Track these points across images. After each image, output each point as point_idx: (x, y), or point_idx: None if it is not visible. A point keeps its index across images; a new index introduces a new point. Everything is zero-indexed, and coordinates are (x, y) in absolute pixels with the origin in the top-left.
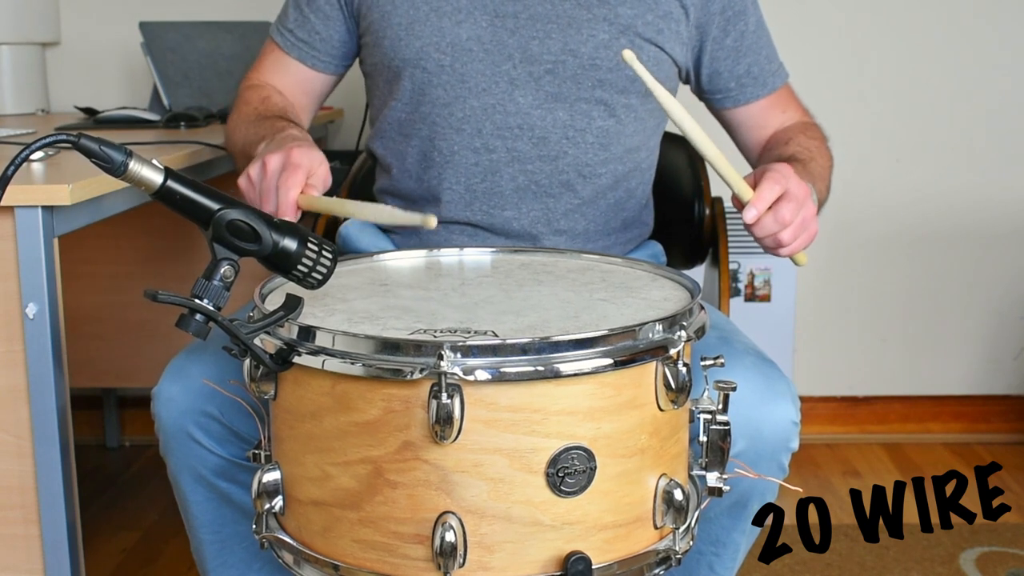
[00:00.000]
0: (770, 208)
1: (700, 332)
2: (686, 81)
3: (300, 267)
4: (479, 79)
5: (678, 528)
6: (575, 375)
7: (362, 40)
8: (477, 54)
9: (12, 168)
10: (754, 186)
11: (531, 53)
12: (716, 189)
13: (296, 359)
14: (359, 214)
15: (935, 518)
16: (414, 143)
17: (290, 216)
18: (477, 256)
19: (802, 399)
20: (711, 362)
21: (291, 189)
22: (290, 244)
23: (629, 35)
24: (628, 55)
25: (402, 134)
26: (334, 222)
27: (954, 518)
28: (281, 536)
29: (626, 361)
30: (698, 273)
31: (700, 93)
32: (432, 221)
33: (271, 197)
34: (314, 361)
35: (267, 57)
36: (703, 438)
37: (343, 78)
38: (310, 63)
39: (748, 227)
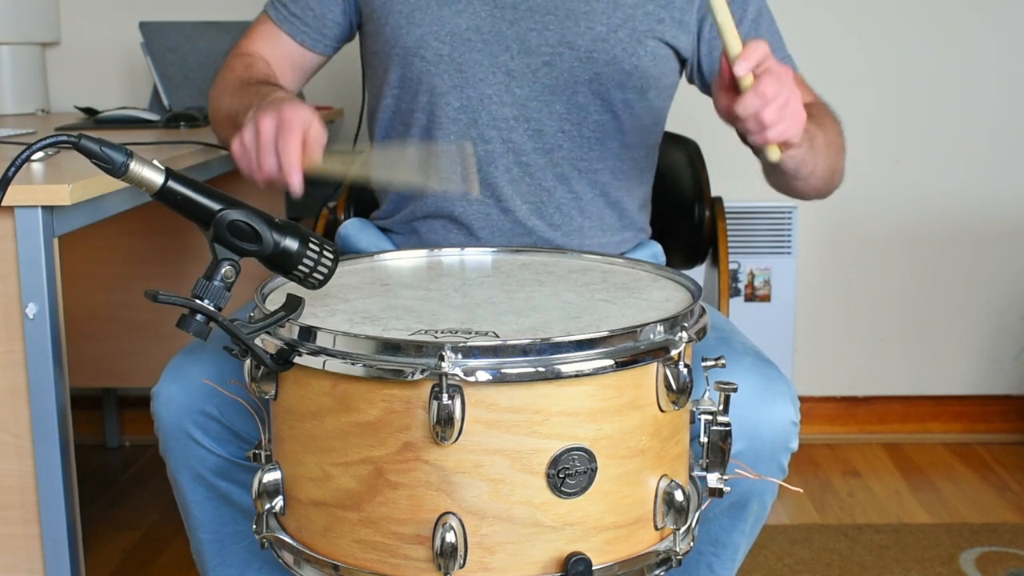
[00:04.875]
0: (753, 84)
1: (701, 333)
2: (691, 80)
3: (301, 267)
4: (477, 69)
5: (679, 529)
6: (576, 376)
7: (364, 28)
8: (476, 44)
9: (13, 169)
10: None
11: (529, 44)
12: (716, 189)
13: (297, 359)
14: (396, 181)
15: (935, 518)
16: (411, 132)
17: (298, 178)
18: (478, 256)
19: (802, 399)
20: (712, 363)
21: (293, 152)
22: (291, 244)
23: (627, 28)
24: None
25: (402, 123)
26: (334, 222)
27: (954, 518)
28: (281, 536)
29: (627, 362)
30: (698, 273)
31: (704, 88)
32: (475, 190)
33: (269, 158)
34: (315, 361)
35: (257, 28)
36: (704, 439)
37: (330, 60)
38: (299, 39)
39: (732, 112)
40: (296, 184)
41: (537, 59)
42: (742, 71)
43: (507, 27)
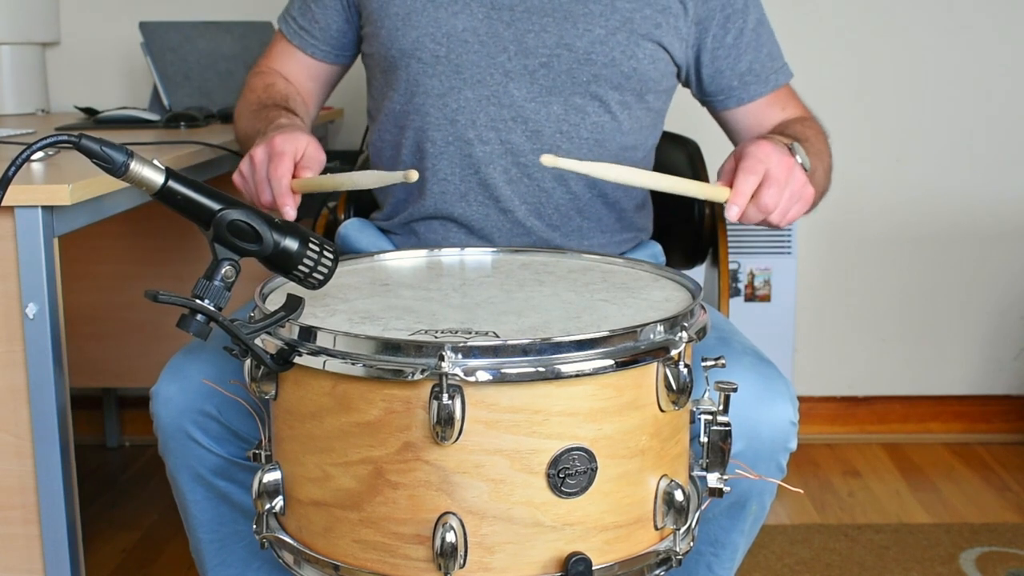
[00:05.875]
0: (752, 197)
1: (701, 333)
2: (686, 84)
3: (301, 267)
4: (474, 70)
5: (679, 529)
6: (576, 376)
7: (363, 31)
8: (472, 45)
9: (13, 169)
10: (733, 171)
11: (526, 46)
12: None
13: (297, 359)
14: (348, 183)
15: (935, 518)
16: (408, 134)
17: (289, 203)
18: (478, 256)
19: (802, 399)
20: (712, 363)
21: (282, 178)
22: (291, 244)
23: (625, 30)
24: (547, 159)
25: (397, 125)
26: (334, 222)
27: (954, 518)
28: (281, 536)
29: (627, 362)
30: (698, 273)
31: (703, 95)
32: (413, 175)
33: (264, 188)
34: (315, 361)
35: (275, 46)
36: (704, 439)
37: (349, 69)
38: (310, 51)
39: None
40: (288, 212)
41: (535, 60)
42: (734, 217)
43: (504, 28)
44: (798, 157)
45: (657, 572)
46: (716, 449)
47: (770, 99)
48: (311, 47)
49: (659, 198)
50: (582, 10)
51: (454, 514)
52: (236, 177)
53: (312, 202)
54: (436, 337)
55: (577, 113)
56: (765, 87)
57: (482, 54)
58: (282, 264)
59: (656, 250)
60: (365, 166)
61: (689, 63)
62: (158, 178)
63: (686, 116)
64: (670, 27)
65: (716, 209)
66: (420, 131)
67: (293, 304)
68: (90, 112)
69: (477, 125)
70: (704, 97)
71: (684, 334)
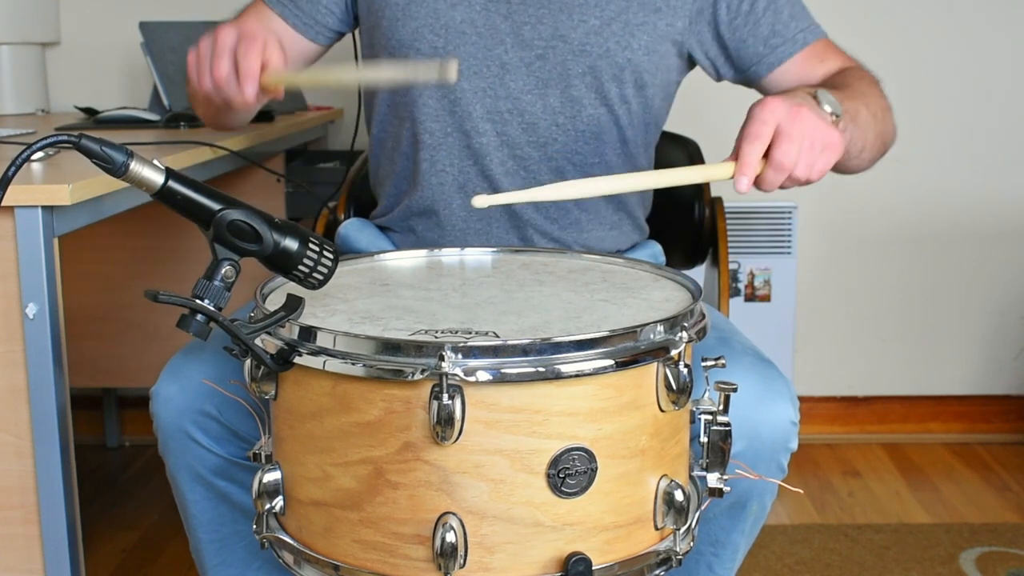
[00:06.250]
0: (766, 161)
1: (701, 333)
2: (719, 77)
3: (301, 267)
4: (471, 62)
5: (679, 529)
6: (576, 376)
7: (361, 23)
8: (470, 37)
9: (13, 169)
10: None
11: (523, 37)
12: (716, 189)
13: (297, 359)
14: (355, 79)
15: (935, 518)
16: (407, 125)
17: (252, 84)
18: (478, 256)
19: (802, 399)
20: (712, 363)
21: (251, 60)
22: (291, 244)
23: (620, 21)
24: (478, 200)
25: (397, 116)
26: (334, 222)
27: (954, 518)
28: (281, 536)
29: (627, 362)
30: (698, 273)
31: (738, 72)
32: (453, 71)
33: (223, 62)
34: (315, 361)
35: (248, 11)
36: (704, 439)
37: (317, 58)
38: (291, 21)
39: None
40: (250, 92)
41: (531, 52)
42: (744, 188)
43: (501, 20)
44: (826, 105)
45: (657, 572)
46: (716, 449)
47: (805, 55)
48: (293, 16)
49: (659, 198)
50: (578, 1)
51: (454, 514)
52: (191, 55)
53: (312, 202)
54: (436, 337)
55: (573, 106)
56: (794, 46)
57: (479, 46)
58: (282, 264)
59: (656, 250)
60: (365, 163)
61: (706, 43)
62: (158, 178)
63: (686, 116)
64: (671, 9)
65: (716, 208)
66: (417, 122)
67: (293, 304)
68: (90, 112)
69: (474, 117)
70: (741, 74)
71: (684, 334)
